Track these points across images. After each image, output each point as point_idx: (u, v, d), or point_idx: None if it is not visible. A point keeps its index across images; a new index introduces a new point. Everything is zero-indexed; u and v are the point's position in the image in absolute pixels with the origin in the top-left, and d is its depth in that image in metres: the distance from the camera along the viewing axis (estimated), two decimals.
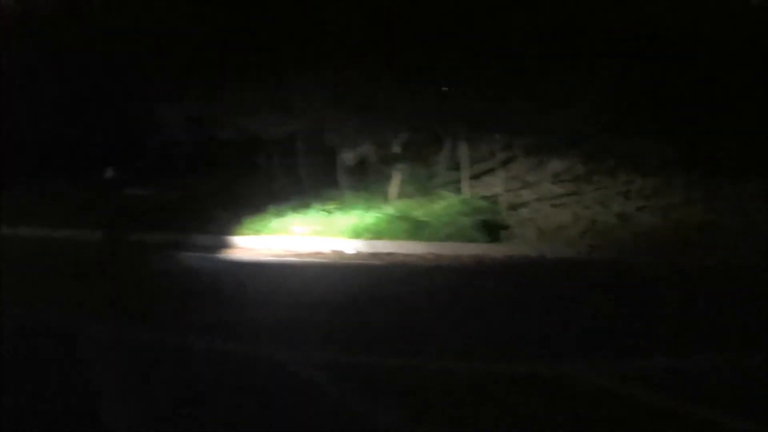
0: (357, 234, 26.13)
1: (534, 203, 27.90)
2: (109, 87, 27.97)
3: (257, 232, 27.16)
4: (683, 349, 8.47)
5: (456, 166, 29.41)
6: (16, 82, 28.94)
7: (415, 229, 25.80)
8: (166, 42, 26.05)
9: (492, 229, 25.55)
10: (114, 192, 31.06)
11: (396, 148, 29.07)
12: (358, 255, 24.08)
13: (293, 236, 26.45)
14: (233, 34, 25.71)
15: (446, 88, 27.85)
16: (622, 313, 11.60)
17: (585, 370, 7.20)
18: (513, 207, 27.64)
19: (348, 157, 29.26)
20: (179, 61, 26.94)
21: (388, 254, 23.30)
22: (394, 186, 28.61)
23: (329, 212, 27.89)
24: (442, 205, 27.28)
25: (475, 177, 29.51)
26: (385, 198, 28.61)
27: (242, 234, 27.12)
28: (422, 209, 27.45)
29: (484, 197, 28.22)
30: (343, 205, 28.18)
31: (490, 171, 29.49)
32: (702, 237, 23.08)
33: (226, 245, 25.94)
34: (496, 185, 28.52)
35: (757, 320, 10.46)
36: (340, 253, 24.43)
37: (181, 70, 27.19)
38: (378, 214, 27.26)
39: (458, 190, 28.65)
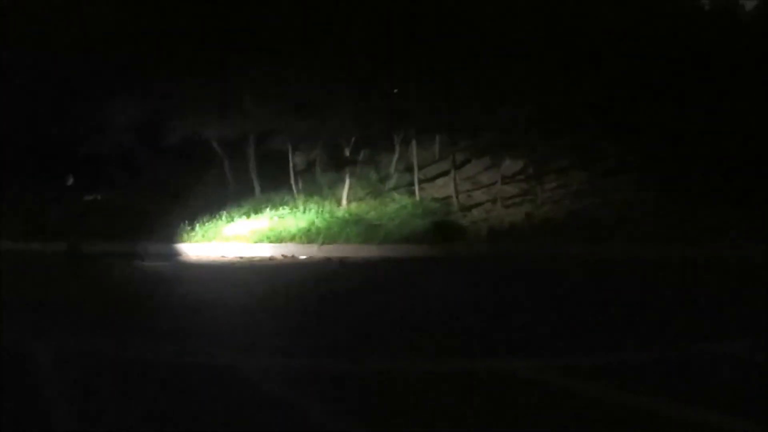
0: (309, 238, 25.98)
1: (487, 204, 27.97)
2: (57, 94, 27.53)
3: (210, 239, 26.87)
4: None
5: (409, 169, 29.44)
6: None
7: (367, 232, 25.69)
8: (114, 45, 25.60)
9: (444, 231, 25.48)
10: (74, 198, 30.79)
11: (347, 151, 28.93)
12: (310, 260, 23.88)
13: (245, 242, 26.22)
14: (182, 37, 25.31)
15: (396, 90, 27.84)
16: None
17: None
18: (465, 208, 27.65)
19: (300, 160, 29.11)
20: (127, 64, 26.48)
21: (341, 258, 23.06)
22: (346, 189, 28.48)
23: (282, 217, 27.69)
24: (394, 208, 27.25)
25: (428, 180, 29.61)
26: (338, 201, 28.48)
27: (194, 241, 26.82)
28: (375, 212, 27.41)
29: (436, 199, 28.24)
30: (296, 209, 27.99)
31: (444, 173, 29.52)
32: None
33: (178, 253, 25.64)
34: (448, 187, 28.52)
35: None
36: (294, 258, 24.25)
37: (130, 73, 26.77)
38: (330, 218, 27.14)
39: (411, 193, 28.65)
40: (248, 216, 28.09)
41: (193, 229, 27.36)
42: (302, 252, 24.98)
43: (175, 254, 25.61)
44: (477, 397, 6.05)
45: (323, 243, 25.38)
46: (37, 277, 17.85)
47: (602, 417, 5.41)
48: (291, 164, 29.30)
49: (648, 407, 5.58)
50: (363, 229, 26.04)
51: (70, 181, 31.63)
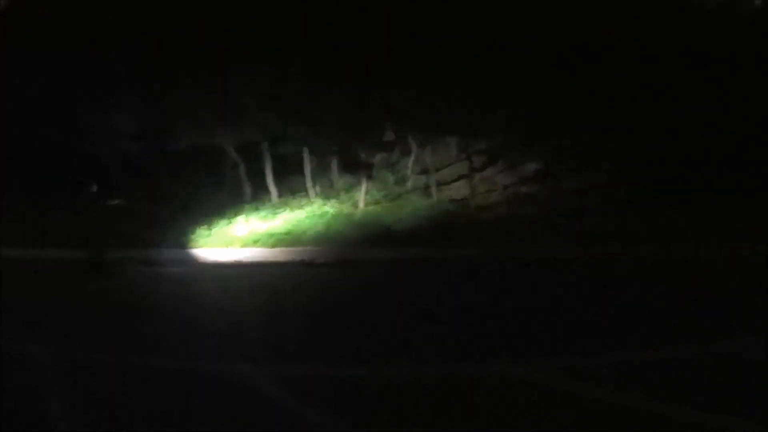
0: (327, 241, 26.09)
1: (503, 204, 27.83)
2: (68, 100, 28.01)
3: (227, 243, 27.17)
4: None
5: (425, 171, 29.44)
6: None
7: (377, 236, 25.68)
8: (124, 50, 25.99)
9: (456, 232, 25.44)
10: (96, 204, 31.31)
11: (364, 154, 29.05)
12: (324, 263, 23.75)
13: (261, 246, 26.40)
14: (191, 43, 25.59)
15: (410, 93, 27.83)
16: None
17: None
18: (482, 209, 27.54)
19: (316, 164, 29.31)
20: (137, 69, 26.86)
21: (353, 261, 22.93)
22: (363, 192, 28.57)
23: (299, 220, 27.91)
24: (408, 210, 27.26)
25: (446, 183, 29.54)
26: (355, 204, 28.58)
27: (210, 246, 27.14)
28: (390, 214, 27.44)
29: (453, 200, 28.19)
30: (313, 213, 28.18)
31: (462, 176, 29.41)
32: None
33: (194, 258, 25.87)
34: (465, 188, 28.46)
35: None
36: (309, 263, 24.20)
37: (139, 78, 27.16)
38: (347, 220, 27.27)
39: (428, 195, 28.64)
40: (265, 219, 28.36)
41: (209, 233, 27.70)
42: (319, 255, 24.95)
43: (192, 259, 25.82)
44: (481, 401, 6.09)
45: (337, 246, 25.46)
46: (60, 287, 17.78)
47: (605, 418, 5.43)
48: (307, 168, 29.51)
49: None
50: (374, 232, 26.09)
51: (94, 188, 32.24)
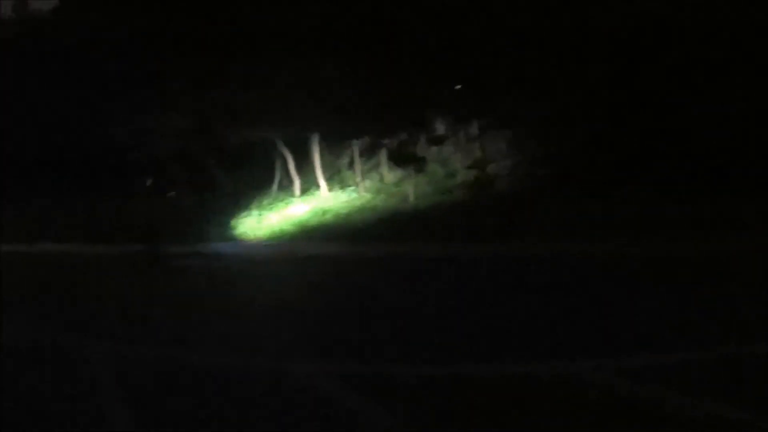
0: (377, 234, 26.09)
1: None
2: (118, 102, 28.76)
3: (277, 236, 27.42)
4: None
5: (475, 165, 29.18)
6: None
7: (430, 229, 25.64)
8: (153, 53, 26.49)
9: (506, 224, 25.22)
10: (151, 197, 31.98)
11: (413, 147, 28.99)
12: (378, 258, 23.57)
13: (308, 239, 26.47)
14: (232, 42, 25.89)
15: (459, 86, 27.74)
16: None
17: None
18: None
19: (365, 157, 29.36)
20: (167, 70, 27.38)
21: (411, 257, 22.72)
22: (412, 185, 28.52)
23: (349, 213, 28.05)
24: (456, 204, 27.13)
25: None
26: (404, 198, 28.55)
27: (262, 237, 27.44)
28: (441, 208, 27.35)
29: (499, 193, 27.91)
30: (363, 207, 28.28)
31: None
32: None
33: (246, 252, 26.05)
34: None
35: None
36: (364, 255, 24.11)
37: (183, 78, 27.68)
38: (395, 213, 27.28)
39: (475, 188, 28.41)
40: (314, 213, 28.54)
41: (260, 225, 28.03)
42: (371, 248, 24.86)
43: (243, 252, 25.97)
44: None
45: (387, 238, 25.45)
46: (127, 282, 17.75)
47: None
48: (356, 162, 29.61)
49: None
50: (424, 226, 26.03)
51: (149, 182, 32.89)
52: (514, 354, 7.57)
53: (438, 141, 30.37)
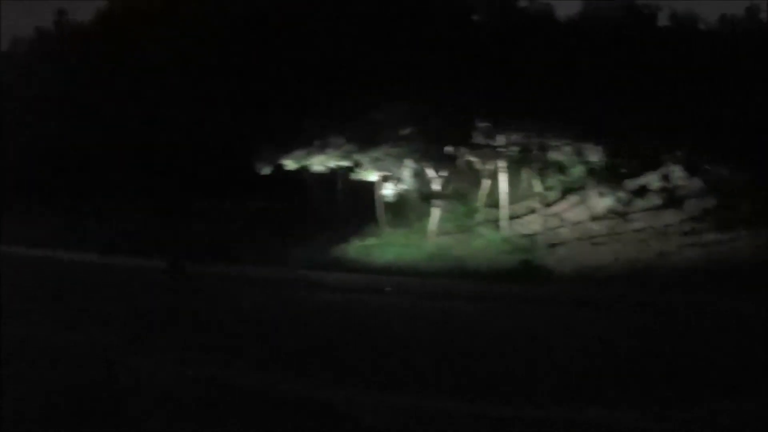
0: (398, 270, 26.34)
1: (574, 242, 27.89)
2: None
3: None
4: None
5: (495, 204, 29.48)
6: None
7: (456, 267, 25.97)
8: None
9: (533, 269, 25.61)
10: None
11: (436, 185, 29.24)
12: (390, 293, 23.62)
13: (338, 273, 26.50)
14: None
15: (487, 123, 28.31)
16: None
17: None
18: (552, 245, 27.64)
19: (388, 193, 29.53)
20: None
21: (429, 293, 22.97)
22: (433, 222, 28.78)
23: (369, 248, 28.22)
24: (481, 243, 27.43)
25: (517, 216, 29.55)
26: (424, 234, 28.79)
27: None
28: (461, 246, 27.64)
29: (524, 235, 28.26)
30: (382, 242, 28.48)
31: (531, 210, 29.43)
32: None
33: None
34: (535, 223, 28.56)
35: None
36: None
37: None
38: (417, 250, 27.53)
39: (497, 228, 28.72)
40: (336, 246, 28.67)
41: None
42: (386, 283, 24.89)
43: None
44: None
45: (409, 276, 25.70)
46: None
47: None
48: (378, 197, 29.80)
49: None
50: (449, 264, 26.36)
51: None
52: None
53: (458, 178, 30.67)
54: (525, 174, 30.20)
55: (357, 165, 29.10)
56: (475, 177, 30.01)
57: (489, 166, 29.62)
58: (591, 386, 9.06)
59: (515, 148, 28.29)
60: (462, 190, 30.37)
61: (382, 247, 28.37)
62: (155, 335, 12.56)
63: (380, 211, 29.92)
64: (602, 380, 9.43)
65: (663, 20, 37.74)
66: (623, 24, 35.27)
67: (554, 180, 29.28)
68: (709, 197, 27.80)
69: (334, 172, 30.04)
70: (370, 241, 28.62)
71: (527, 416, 7.39)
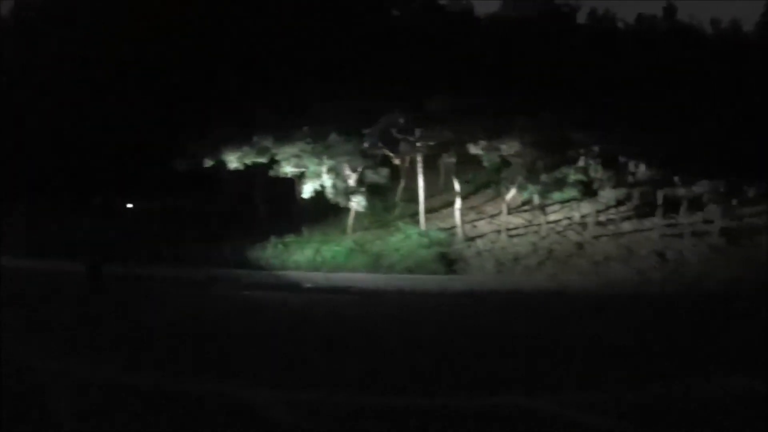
0: (314, 267, 26.01)
1: (491, 234, 28.01)
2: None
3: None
4: None
5: (413, 199, 29.38)
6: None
7: (374, 262, 25.76)
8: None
9: (449, 262, 25.56)
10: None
11: (353, 181, 28.94)
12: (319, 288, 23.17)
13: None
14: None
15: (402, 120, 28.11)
16: None
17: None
18: (470, 238, 27.67)
19: (306, 190, 29.06)
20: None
21: (346, 287, 22.57)
22: (351, 219, 28.49)
23: (285, 245, 27.74)
24: (399, 238, 27.25)
25: (434, 209, 29.56)
26: (343, 230, 28.47)
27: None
28: (380, 242, 27.42)
29: (441, 229, 28.23)
30: (301, 239, 28.07)
31: (449, 204, 29.44)
32: None
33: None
34: (452, 217, 28.55)
35: None
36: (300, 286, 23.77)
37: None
38: (336, 247, 27.19)
39: (415, 222, 28.60)
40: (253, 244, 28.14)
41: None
42: (306, 279, 24.44)
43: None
44: None
45: (329, 271, 25.40)
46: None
47: None
48: (297, 194, 29.38)
49: None
50: (369, 259, 26.15)
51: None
52: None
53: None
54: (443, 168, 30.30)
55: (274, 162, 28.58)
56: (392, 172, 29.86)
57: (406, 162, 29.59)
58: (504, 374, 9.21)
59: (432, 143, 28.02)
60: (380, 186, 30.15)
61: (301, 244, 27.93)
62: (68, 338, 12.05)
63: (299, 208, 29.51)
64: (516, 370, 9.56)
65: (582, 19, 39.03)
66: (541, 21, 35.96)
67: (471, 174, 29.40)
68: (622, 188, 28.48)
69: (252, 170, 29.42)
70: (289, 238, 28.11)
71: (442, 406, 7.48)
